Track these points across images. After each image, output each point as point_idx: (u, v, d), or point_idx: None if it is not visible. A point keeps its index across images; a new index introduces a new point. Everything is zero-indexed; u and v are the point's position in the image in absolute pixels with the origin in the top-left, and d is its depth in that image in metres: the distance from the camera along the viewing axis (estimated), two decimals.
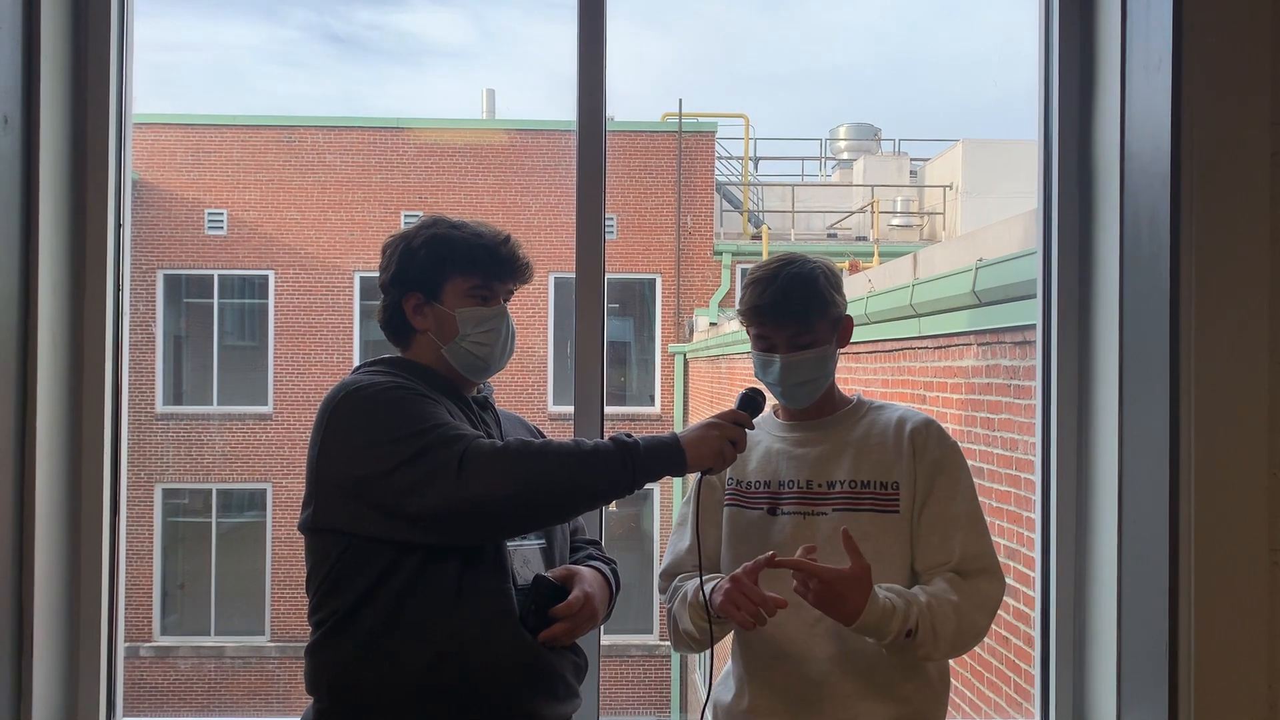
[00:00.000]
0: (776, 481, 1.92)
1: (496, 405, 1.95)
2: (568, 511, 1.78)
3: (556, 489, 1.67)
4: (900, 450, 1.87)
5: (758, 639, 1.87)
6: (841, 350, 1.96)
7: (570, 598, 1.77)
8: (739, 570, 1.78)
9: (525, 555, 1.81)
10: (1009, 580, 3.82)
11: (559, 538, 1.92)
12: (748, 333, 1.95)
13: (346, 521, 1.71)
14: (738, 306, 1.95)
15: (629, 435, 1.72)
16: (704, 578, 1.87)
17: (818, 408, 1.95)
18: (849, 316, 1.95)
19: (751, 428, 1.82)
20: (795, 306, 1.85)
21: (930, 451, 1.87)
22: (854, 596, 1.71)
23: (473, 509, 1.64)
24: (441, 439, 1.66)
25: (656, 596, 12.81)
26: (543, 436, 1.98)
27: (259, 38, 22.90)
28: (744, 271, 14.53)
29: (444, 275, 1.83)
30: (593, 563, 1.92)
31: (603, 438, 2.24)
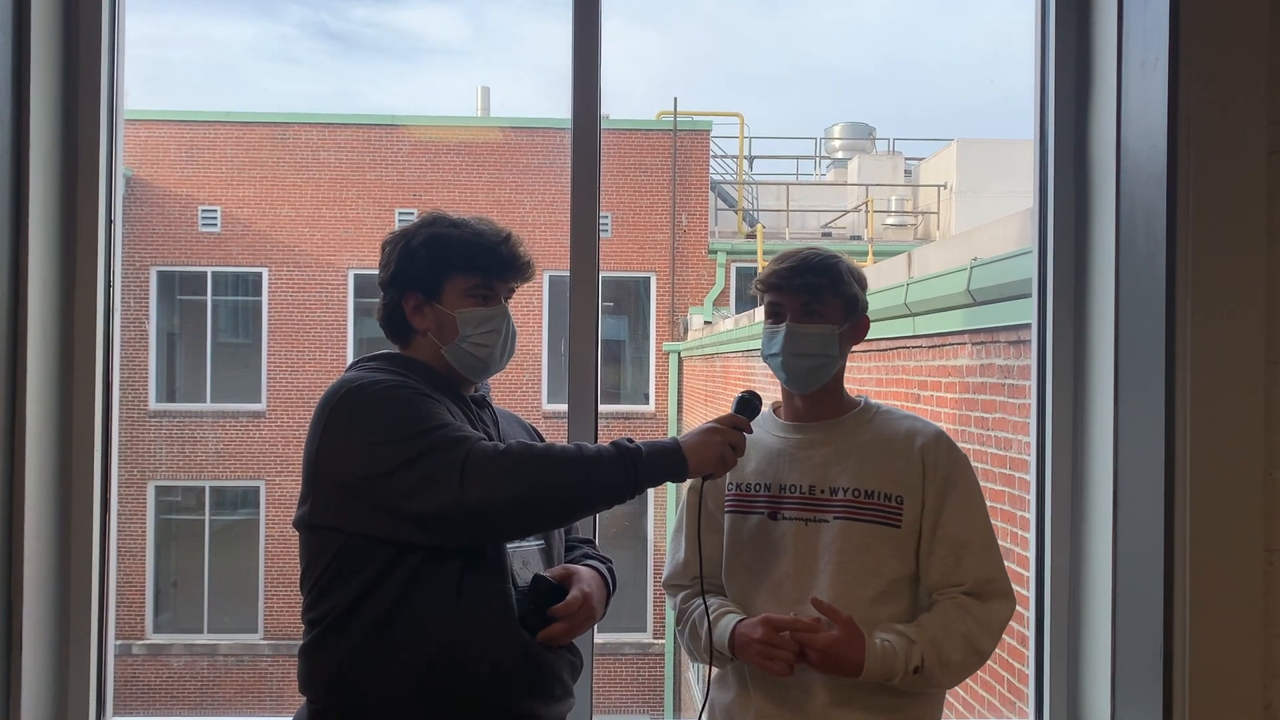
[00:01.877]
0: (778, 485, 1.90)
1: (493, 404, 1.94)
2: (568, 517, 1.77)
3: (558, 494, 1.66)
4: (909, 464, 1.85)
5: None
6: (851, 348, 1.95)
7: (568, 598, 1.76)
8: (763, 631, 1.77)
9: (524, 556, 1.80)
10: None
11: (556, 538, 1.91)
12: (764, 309, 1.94)
13: (345, 519, 1.69)
14: (757, 281, 1.94)
15: (630, 440, 1.71)
16: (705, 597, 1.88)
17: (823, 408, 1.93)
18: (866, 317, 1.94)
19: (750, 431, 1.82)
20: (811, 277, 1.87)
21: (941, 468, 1.85)
22: (851, 653, 1.74)
23: (474, 512, 1.63)
24: (445, 440, 1.65)
25: (651, 596, 12.82)
26: (539, 435, 1.97)
27: (254, 34, 22.89)
28: (739, 270, 14.45)
29: (444, 275, 1.81)
30: (589, 561, 1.91)
31: (596, 436, 2.24)
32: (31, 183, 2.08)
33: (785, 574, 1.85)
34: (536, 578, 1.77)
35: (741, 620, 1.84)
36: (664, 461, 1.70)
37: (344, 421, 1.70)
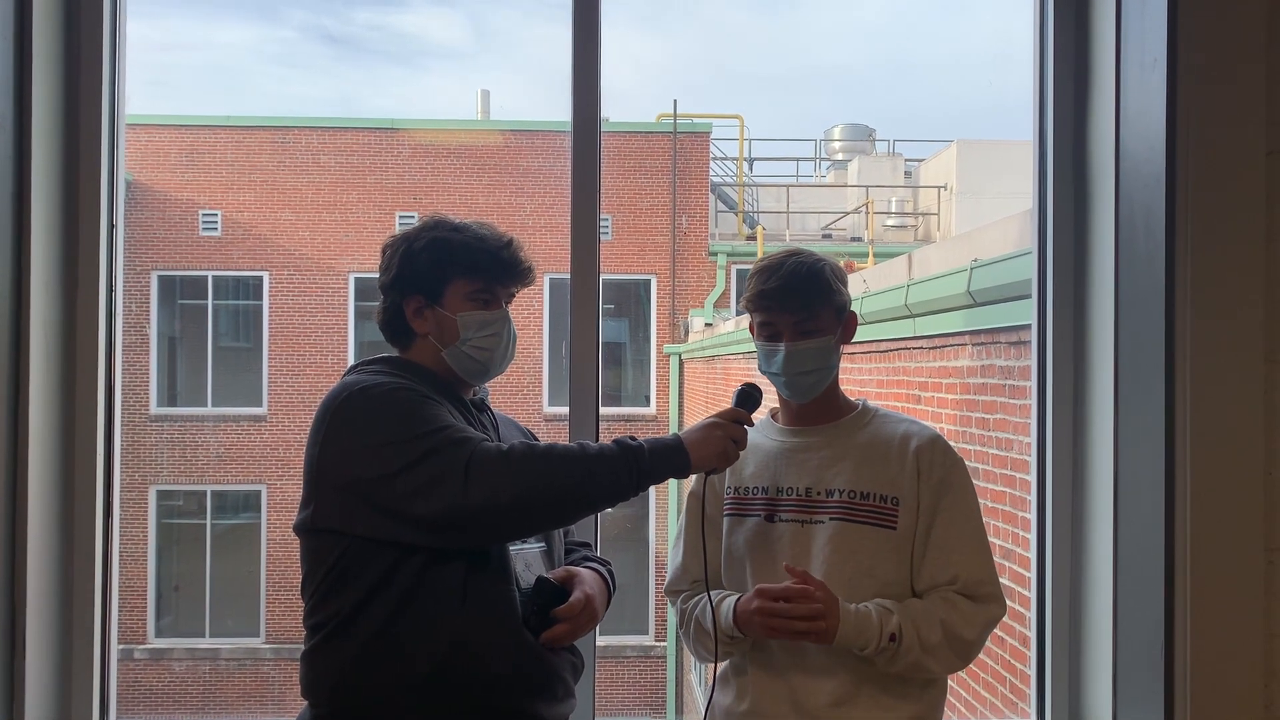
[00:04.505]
0: (775, 487, 1.91)
1: (492, 408, 1.95)
2: (572, 515, 1.76)
3: (562, 493, 1.66)
4: (904, 466, 1.85)
5: (756, 641, 1.87)
6: (845, 347, 1.96)
7: (571, 599, 1.77)
8: (759, 601, 1.78)
9: (527, 559, 1.80)
10: (1003, 580, 3.83)
11: (557, 540, 1.92)
12: (750, 324, 1.94)
13: (348, 522, 1.69)
14: (743, 294, 1.93)
15: (633, 438, 1.71)
16: (709, 592, 1.88)
17: (821, 411, 1.94)
18: (853, 313, 1.94)
19: (751, 424, 1.82)
20: (800, 292, 1.85)
21: (935, 471, 1.85)
22: (827, 614, 1.74)
23: (479, 513, 1.63)
24: (448, 442, 1.65)
25: (653, 598, 12.81)
26: (536, 441, 1.98)
27: (255, 38, 22.88)
28: (739, 272, 14.46)
29: (446, 278, 1.82)
30: (589, 564, 1.92)
31: (598, 439, 2.24)
32: (33, 187, 2.08)
33: (781, 576, 1.86)
34: (540, 579, 1.77)
35: (740, 598, 1.84)
36: (666, 457, 1.71)
37: (346, 425, 1.70)
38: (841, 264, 1.96)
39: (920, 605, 1.80)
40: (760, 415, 1.93)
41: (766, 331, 1.89)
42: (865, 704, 1.81)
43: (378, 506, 1.66)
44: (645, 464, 1.68)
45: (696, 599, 1.96)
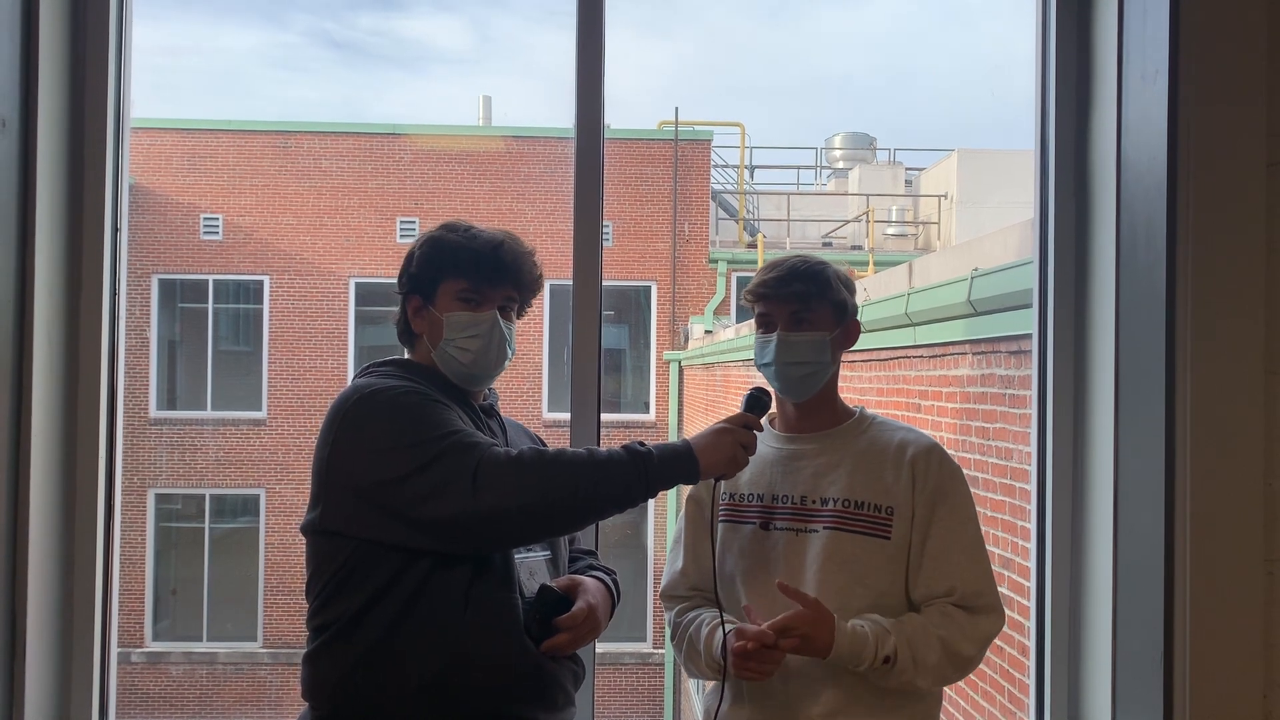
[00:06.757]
0: (770, 495, 1.90)
1: (500, 413, 1.94)
2: (580, 522, 1.75)
3: (571, 499, 1.65)
4: (899, 475, 1.85)
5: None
6: (844, 354, 1.95)
7: (574, 609, 1.76)
8: (748, 641, 1.76)
9: (531, 567, 1.80)
10: (1003, 589, 3.82)
11: (562, 549, 1.91)
12: (754, 320, 1.94)
13: (356, 525, 1.69)
14: (746, 292, 1.94)
15: (642, 444, 1.70)
16: (720, 607, 1.86)
17: (817, 418, 1.93)
18: (856, 321, 1.94)
19: (760, 429, 1.81)
20: (797, 283, 1.87)
21: (931, 480, 1.84)
22: (818, 631, 1.73)
23: (487, 518, 1.63)
24: (457, 446, 1.65)
25: (651, 605, 12.79)
26: (544, 445, 1.97)
27: (260, 42, 22.95)
28: (739, 279, 14.44)
29: (438, 278, 1.83)
30: (594, 573, 1.91)
31: (599, 444, 2.24)
32: (38, 190, 2.08)
33: (776, 585, 1.85)
34: (543, 588, 1.77)
35: (730, 632, 1.82)
36: (676, 464, 1.70)
37: (356, 427, 1.70)
38: (851, 272, 1.97)
39: (919, 624, 1.78)
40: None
41: (763, 322, 1.90)
42: (861, 714, 1.81)
43: (386, 510, 1.66)
44: (654, 470, 1.68)
45: (692, 615, 1.95)
